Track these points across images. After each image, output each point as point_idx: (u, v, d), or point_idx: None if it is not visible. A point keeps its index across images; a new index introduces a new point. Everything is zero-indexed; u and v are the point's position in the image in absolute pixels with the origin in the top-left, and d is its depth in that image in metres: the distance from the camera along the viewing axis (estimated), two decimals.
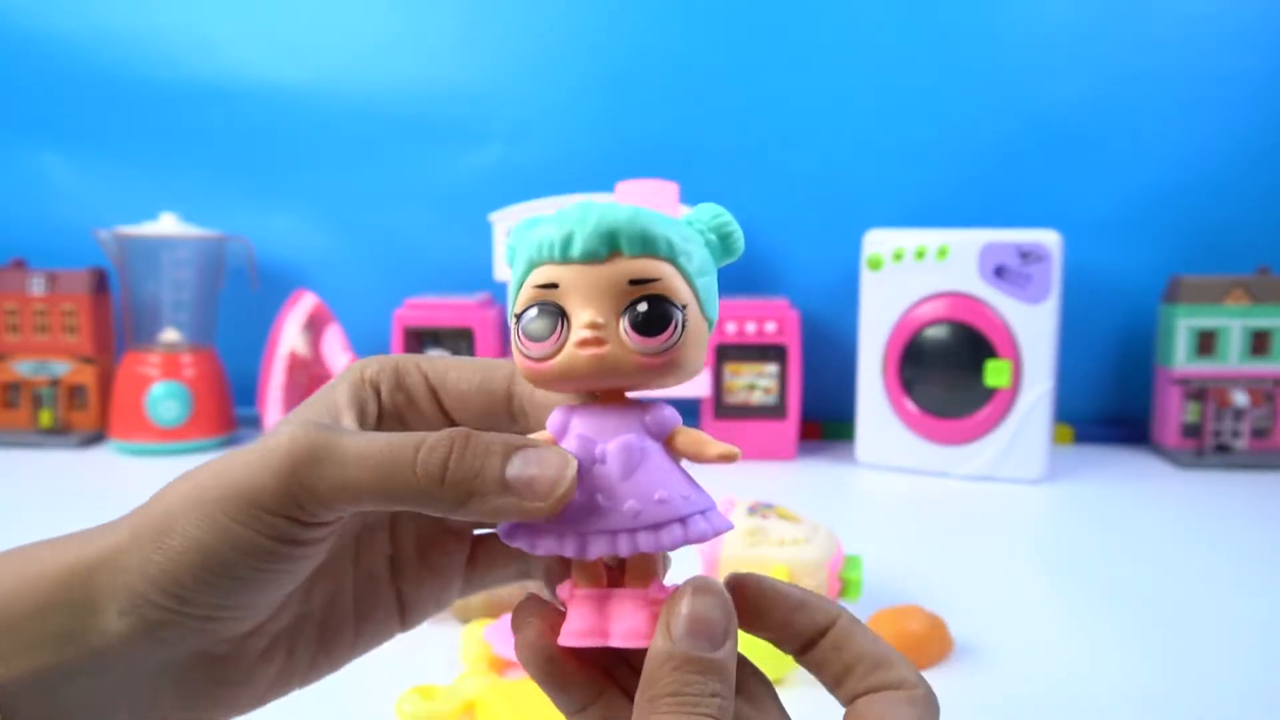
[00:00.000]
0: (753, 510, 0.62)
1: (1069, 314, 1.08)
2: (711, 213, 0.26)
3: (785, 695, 0.27)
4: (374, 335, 1.21)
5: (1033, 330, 0.99)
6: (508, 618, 0.57)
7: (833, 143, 1.20)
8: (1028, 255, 0.98)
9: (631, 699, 0.24)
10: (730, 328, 1.08)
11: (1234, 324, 1.08)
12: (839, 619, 0.26)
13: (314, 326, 1.13)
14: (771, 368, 1.09)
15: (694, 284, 0.25)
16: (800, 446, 1.14)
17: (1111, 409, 1.23)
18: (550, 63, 1.23)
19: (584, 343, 0.23)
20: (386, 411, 0.28)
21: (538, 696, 0.47)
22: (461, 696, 0.48)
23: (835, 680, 0.26)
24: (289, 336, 1.12)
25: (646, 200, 1.10)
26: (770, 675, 0.26)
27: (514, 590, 0.62)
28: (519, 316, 0.24)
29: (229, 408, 1.19)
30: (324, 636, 0.29)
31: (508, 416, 0.29)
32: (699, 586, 0.24)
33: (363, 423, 0.27)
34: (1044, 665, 0.56)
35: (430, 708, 0.48)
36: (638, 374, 0.24)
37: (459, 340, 1.10)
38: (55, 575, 0.24)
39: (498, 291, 1.19)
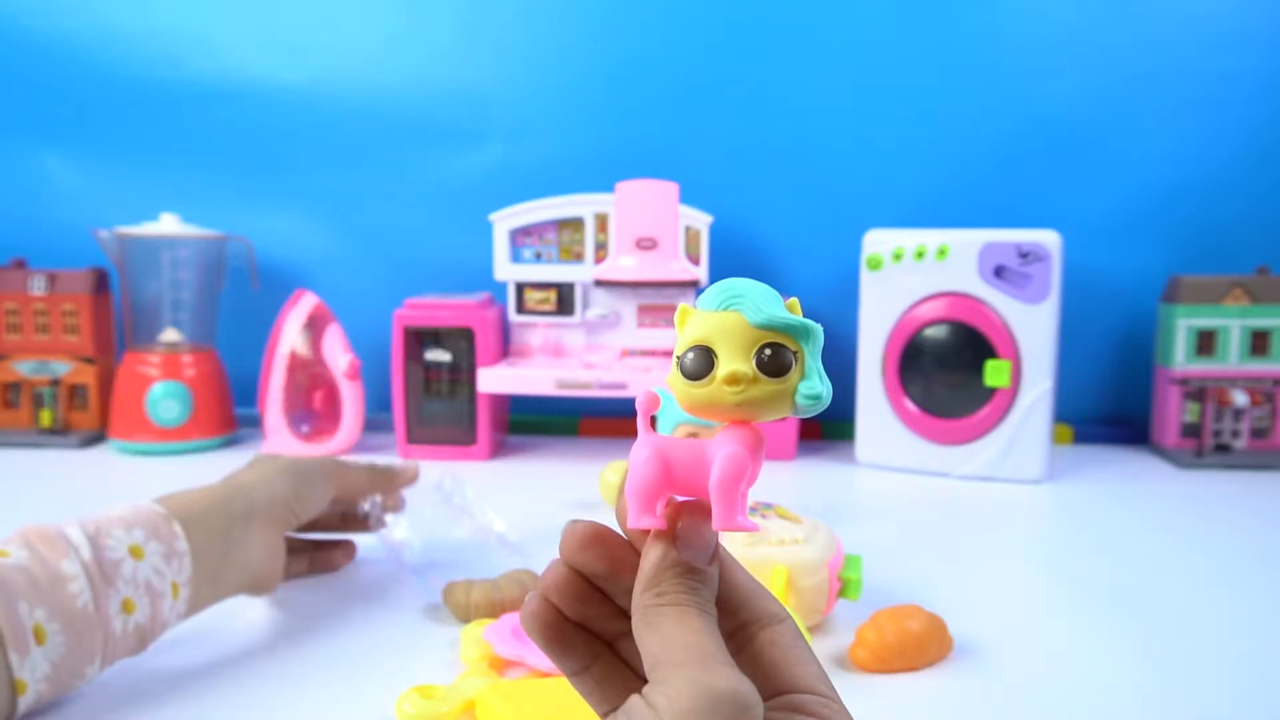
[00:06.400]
0: (752, 510, 0.62)
1: (1069, 314, 1.09)
2: None
3: None
4: (374, 335, 1.21)
5: (1032, 330, 0.99)
6: (507, 618, 0.57)
7: (833, 143, 1.20)
8: (1027, 255, 0.98)
9: (625, 665, 0.29)
10: None
11: (1233, 324, 1.08)
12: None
13: (314, 326, 1.14)
14: None
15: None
16: (800, 446, 1.14)
17: (1111, 409, 1.23)
18: (550, 63, 1.23)
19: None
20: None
21: (538, 696, 0.47)
22: (461, 696, 0.48)
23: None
24: (289, 336, 1.12)
25: (647, 201, 1.10)
26: None
27: (515, 591, 0.62)
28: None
29: (229, 408, 1.20)
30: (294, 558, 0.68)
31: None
32: (692, 509, 0.28)
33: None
34: (1044, 665, 0.56)
35: (430, 707, 0.48)
36: None
37: (459, 340, 1.10)
38: (224, 491, 0.59)
39: (498, 291, 1.19)
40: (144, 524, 0.52)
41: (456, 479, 0.75)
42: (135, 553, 0.50)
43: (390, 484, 0.70)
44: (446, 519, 0.74)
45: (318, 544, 0.71)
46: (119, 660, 0.50)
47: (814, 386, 0.26)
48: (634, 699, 0.25)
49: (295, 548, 0.68)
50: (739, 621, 0.29)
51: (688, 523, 0.27)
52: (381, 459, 0.82)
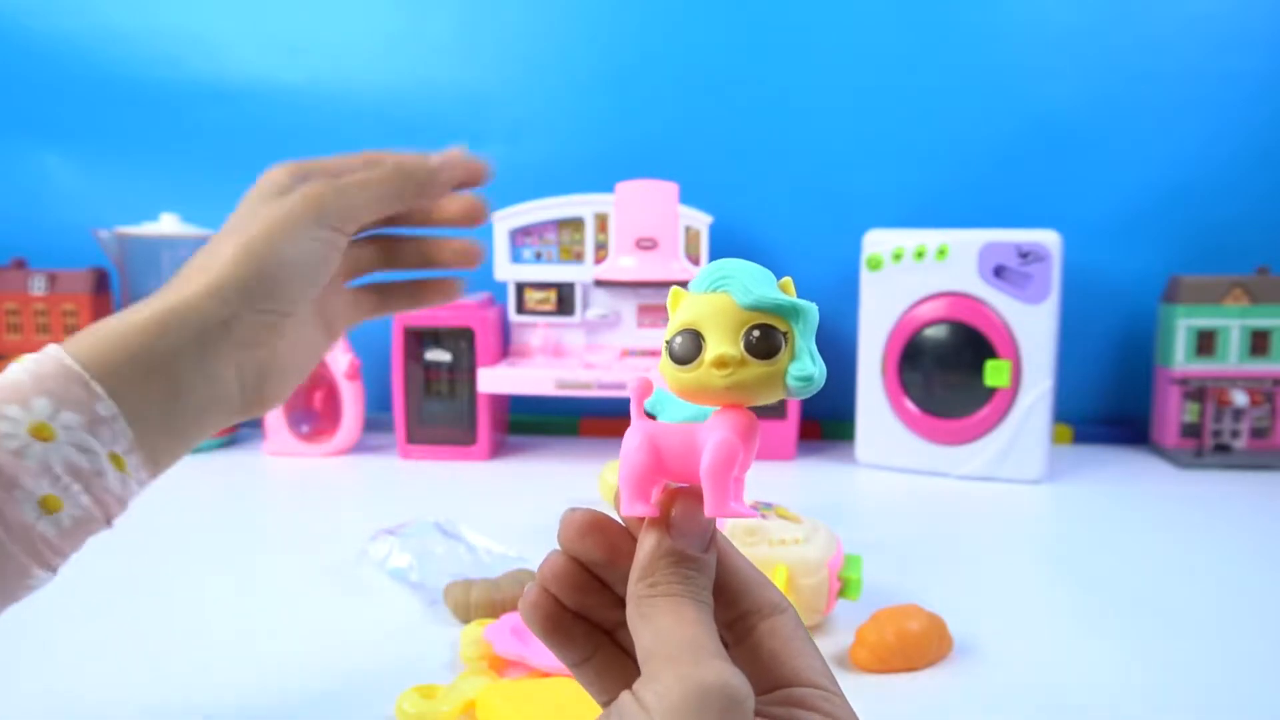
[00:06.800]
0: (752, 508, 0.62)
1: (1069, 314, 1.09)
2: None
3: None
4: (374, 335, 1.21)
5: (1032, 330, 0.99)
6: (507, 618, 0.57)
7: (833, 143, 1.20)
8: (1027, 255, 0.98)
9: (626, 654, 0.28)
10: None
11: (1233, 324, 1.08)
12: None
13: None
14: None
15: None
16: (800, 446, 1.14)
17: (1111, 409, 1.23)
18: (550, 63, 1.23)
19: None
20: None
21: (538, 696, 0.47)
22: (461, 696, 0.48)
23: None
24: None
25: (647, 201, 1.10)
26: None
27: (515, 591, 0.62)
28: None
29: None
30: (324, 324, 0.49)
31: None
32: (686, 496, 0.27)
33: None
34: (1044, 665, 0.56)
35: (430, 707, 0.48)
36: None
37: (459, 340, 1.10)
38: (150, 320, 0.40)
39: (498, 291, 1.19)
40: (48, 390, 0.37)
41: (452, 520, 0.74)
42: (40, 432, 0.37)
43: (430, 186, 0.49)
44: (446, 551, 0.74)
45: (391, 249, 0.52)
46: (78, 550, 0.39)
47: (805, 368, 0.25)
48: (624, 696, 0.24)
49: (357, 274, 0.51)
50: (739, 611, 0.29)
51: (681, 509, 0.27)
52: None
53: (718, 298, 0.25)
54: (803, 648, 0.28)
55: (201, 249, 0.43)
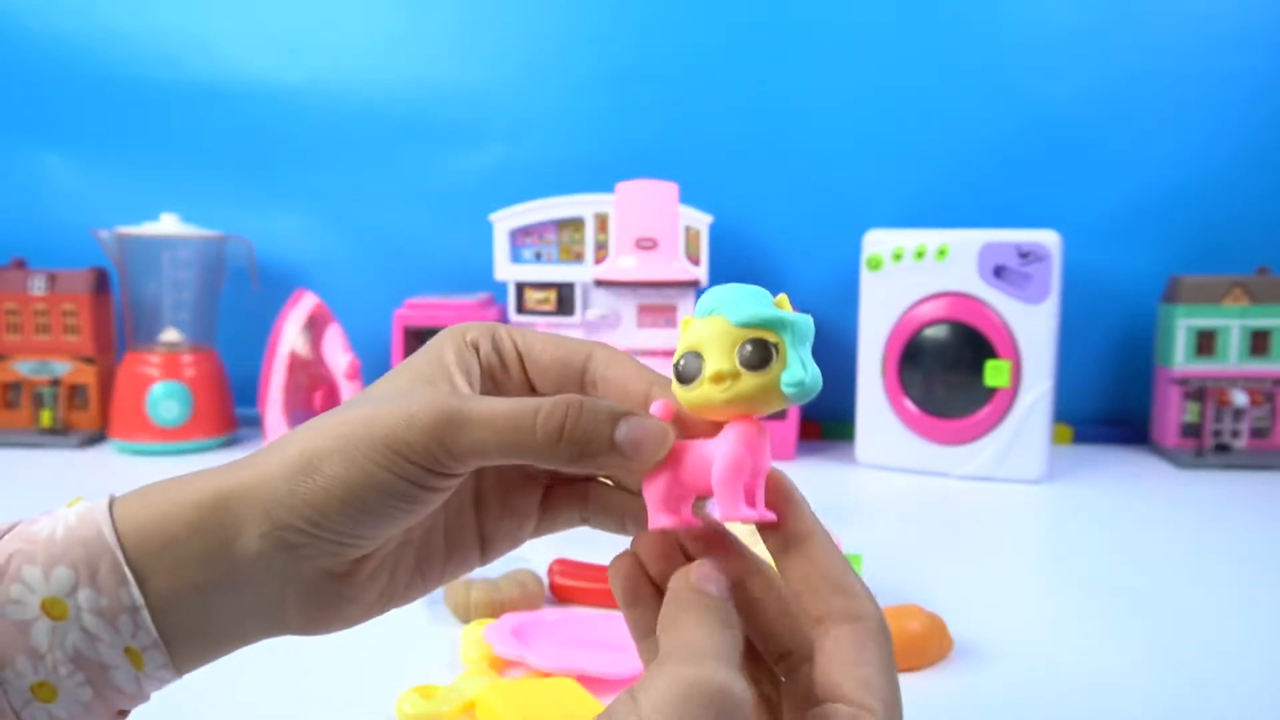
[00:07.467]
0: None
1: (1069, 314, 1.09)
2: None
3: None
4: (374, 335, 1.21)
5: (1032, 330, 0.99)
6: (507, 618, 0.57)
7: (833, 143, 1.20)
8: (1027, 255, 0.98)
9: None
10: None
11: (1233, 324, 1.08)
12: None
13: (314, 326, 1.14)
14: None
15: None
16: (800, 446, 1.14)
17: (1111, 409, 1.23)
18: (550, 63, 1.23)
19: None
20: (482, 371, 0.33)
21: (538, 696, 0.47)
22: (461, 696, 0.48)
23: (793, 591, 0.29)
24: (289, 336, 1.12)
25: (647, 201, 1.10)
26: None
27: (515, 591, 0.62)
28: None
29: (229, 408, 1.20)
30: (420, 563, 0.34)
31: (578, 388, 0.33)
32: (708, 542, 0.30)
33: (469, 382, 0.32)
34: (1044, 665, 0.56)
35: (430, 708, 0.48)
36: None
37: None
38: (200, 502, 0.30)
39: (498, 291, 1.19)
40: (74, 559, 0.30)
41: None
42: (52, 609, 0.30)
43: (592, 464, 0.29)
44: None
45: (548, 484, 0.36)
46: None
47: (796, 374, 0.27)
48: (621, 694, 0.24)
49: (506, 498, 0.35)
50: (814, 615, 0.28)
51: (703, 562, 0.29)
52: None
53: (714, 320, 0.28)
54: (859, 659, 0.27)
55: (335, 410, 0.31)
